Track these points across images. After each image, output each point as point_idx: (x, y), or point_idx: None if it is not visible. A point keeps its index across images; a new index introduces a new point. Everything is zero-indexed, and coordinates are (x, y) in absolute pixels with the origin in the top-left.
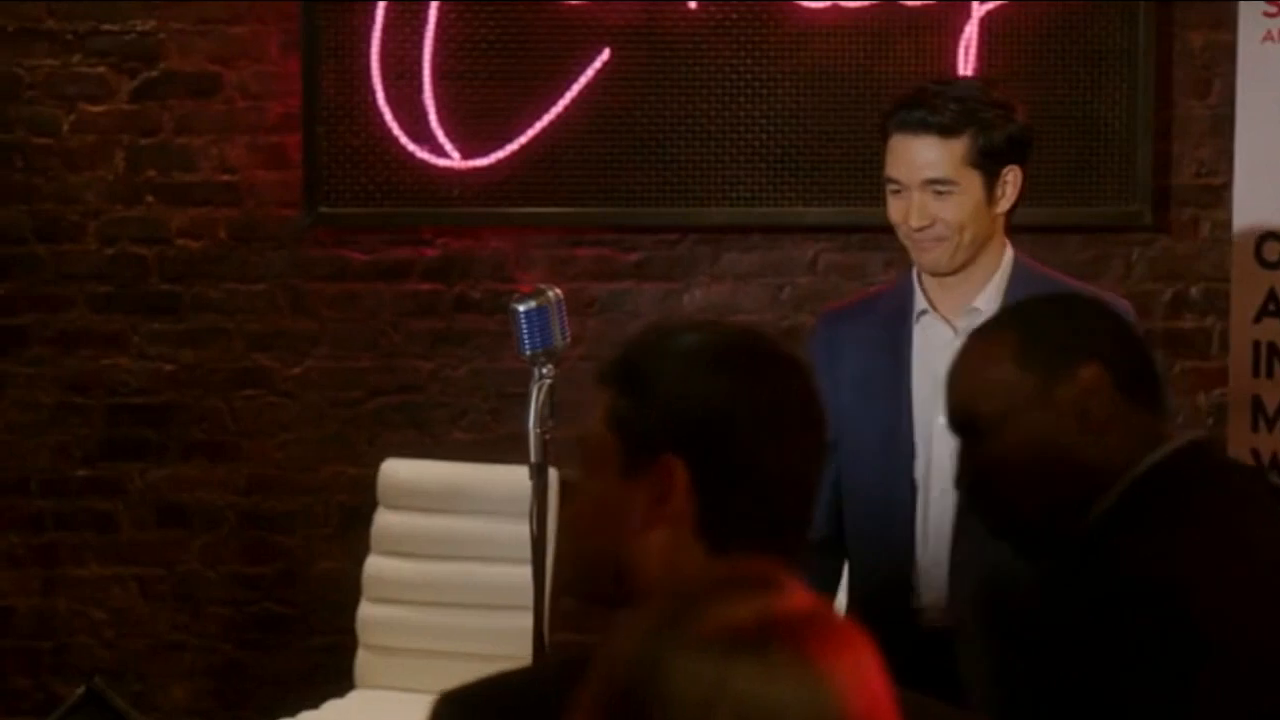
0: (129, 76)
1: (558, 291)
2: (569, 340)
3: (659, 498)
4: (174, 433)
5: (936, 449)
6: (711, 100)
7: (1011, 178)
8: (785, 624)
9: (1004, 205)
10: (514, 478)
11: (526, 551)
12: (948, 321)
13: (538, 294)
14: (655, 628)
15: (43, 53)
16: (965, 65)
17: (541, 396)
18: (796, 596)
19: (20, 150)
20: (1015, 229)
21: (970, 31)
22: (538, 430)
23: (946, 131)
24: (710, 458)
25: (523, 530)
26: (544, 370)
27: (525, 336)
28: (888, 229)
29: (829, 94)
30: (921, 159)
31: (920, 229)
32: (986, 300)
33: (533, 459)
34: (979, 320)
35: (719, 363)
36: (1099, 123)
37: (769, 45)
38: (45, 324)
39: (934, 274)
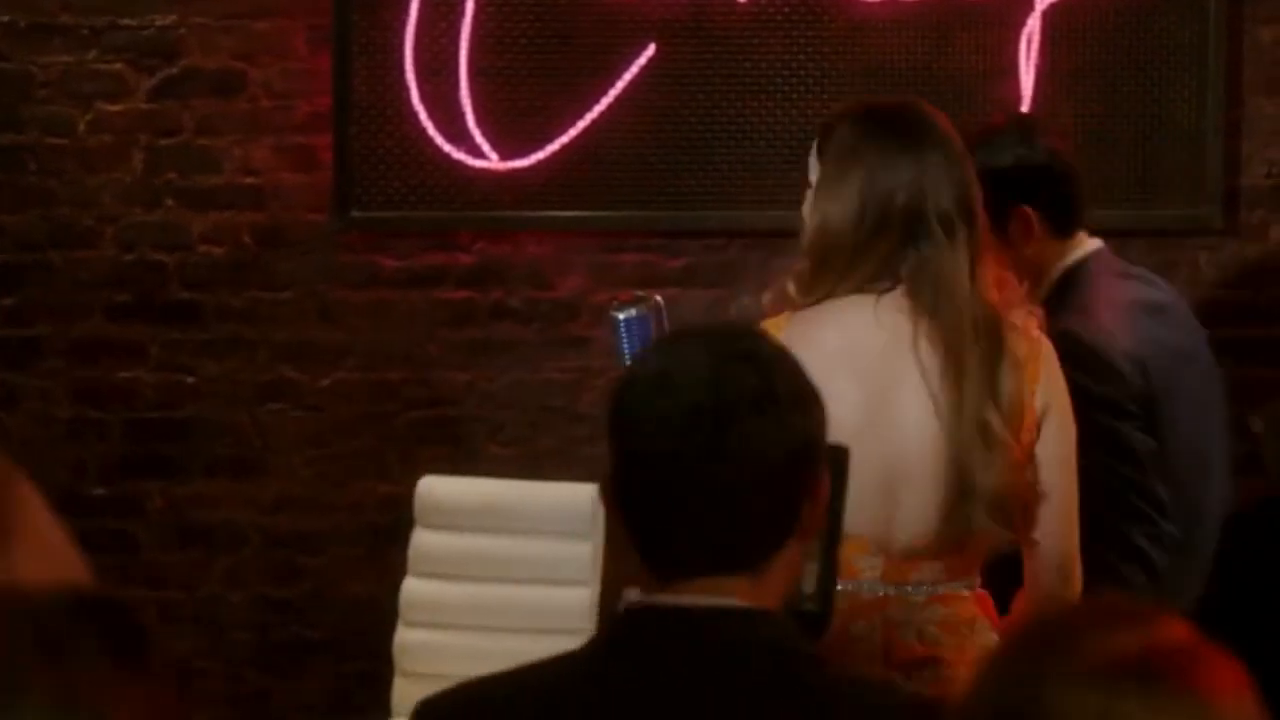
0: (148, 74)
1: (659, 299)
2: None
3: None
4: (196, 449)
5: None
6: (762, 98)
7: (1020, 218)
8: (1168, 654)
9: (1025, 241)
10: (560, 495)
11: (573, 572)
12: None
13: (639, 301)
14: (1035, 657)
15: (57, 49)
16: (1027, 61)
17: None
18: (1175, 627)
19: (33, 152)
20: None
21: (1032, 25)
22: None
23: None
24: None
25: (569, 550)
26: None
27: (625, 345)
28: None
29: (885, 91)
30: None
31: None
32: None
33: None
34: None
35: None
36: (1166, 121)
37: (822, 40)
38: (60, 334)
39: None
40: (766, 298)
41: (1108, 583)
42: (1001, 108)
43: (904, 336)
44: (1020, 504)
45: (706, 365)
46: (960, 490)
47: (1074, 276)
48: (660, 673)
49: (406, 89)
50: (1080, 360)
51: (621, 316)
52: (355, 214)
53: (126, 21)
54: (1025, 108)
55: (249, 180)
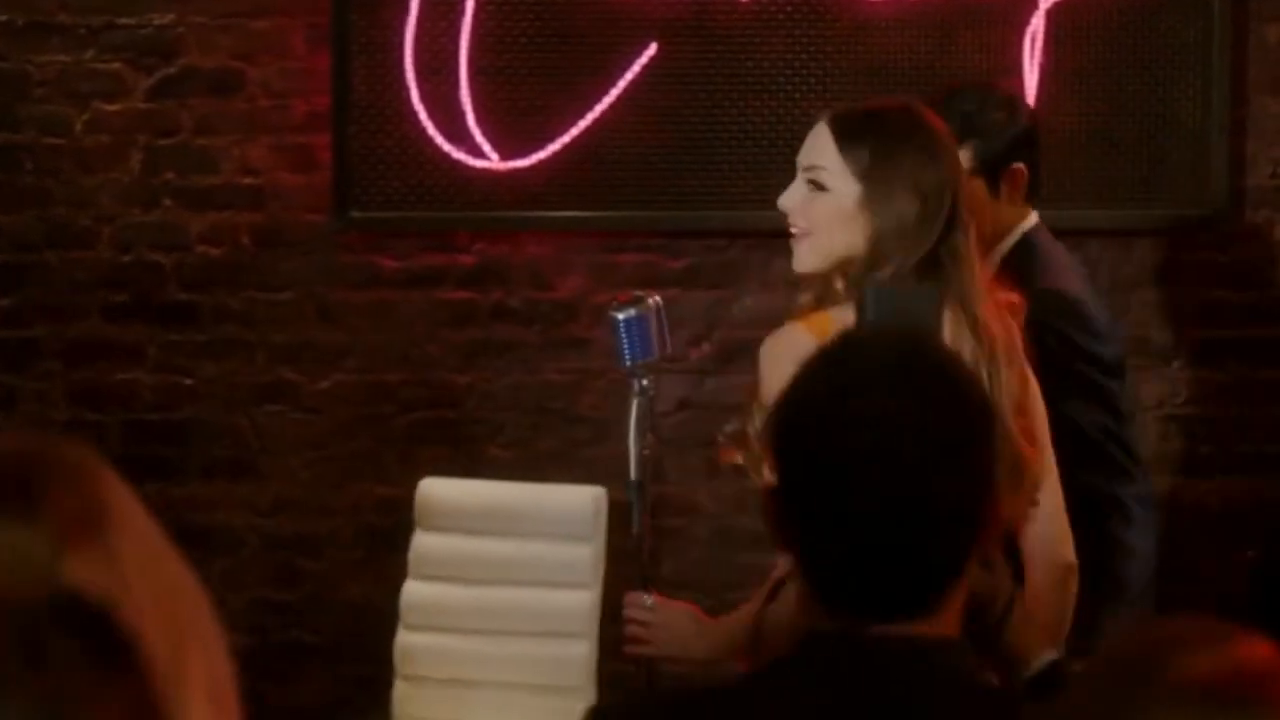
0: (146, 73)
1: (658, 299)
2: (671, 351)
3: None
4: (193, 451)
5: None
6: (765, 97)
7: (1011, 174)
8: (1258, 674)
9: (1007, 197)
10: (562, 497)
11: (576, 575)
12: None
13: (637, 301)
14: (1125, 682)
15: (54, 48)
16: (1030, 59)
17: (642, 411)
18: (1259, 646)
19: (30, 152)
20: (1083, 232)
21: (1036, 24)
22: (638, 446)
23: None
24: None
25: (571, 552)
26: (644, 383)
27: (626, 347)
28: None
29: (888, 90)
30: None
31: None
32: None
33: (633, 476)
34: None
35: None
36: (1170, 121)
37: (825, 39)
38: (56, 336)
39: None
40: (805, 298)
41: (1093, 534)
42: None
43: (953, 327)
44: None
45: (891, 391)
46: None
47: (1029, 241)
48: (844, 701)
49: (406, 88)
50: (1069, 316)
51: (621, 317)
52: (354, 214)
53: (124, 20)
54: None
55: (247, 180)
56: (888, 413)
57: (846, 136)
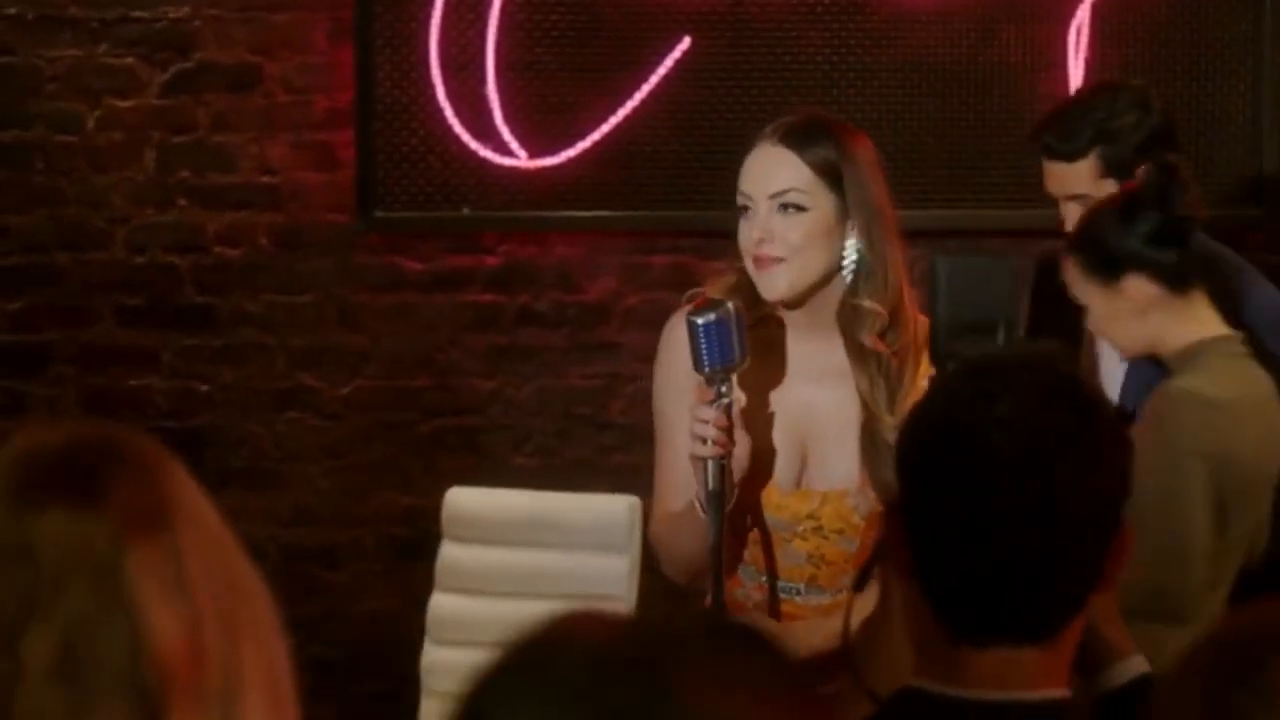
0: (160, 68)
1: (737, 302)
2: (748, 358)
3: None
4: (210, 459)
5: None
6: (801, 93)
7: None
8: None
9: None
10: (597, 506)
11: (610, 587)
12: None
13: (716, 305)
14: (1221, 685)
15: (65, 42)
16: (1075, 55)
17: (721, 416)
18: None
19: (41, 150)
20: None
21: (1081, 17)
22: (718, 449)
23: (1071, 157)
24: None
25: (606, 564)
26: (723, 389)
27: (705, 352)
28: (1001, 232)
29: (929, 86)
30: (1053, 180)
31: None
32: None
33: (710, 486)
34: None
35: None
36: (1219, 117)
37: (864, 33)
38: (68, 340)
39: None
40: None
41: None
42: (1049, 104)
43: None
44: None
45: (1022, 406)
46: None
47: None
48: None
49: (431, 84)
50: None
51: (700, 322)
52: (377, 214)
53: (138, 14)
54: None
55: (266, 179)
56: (1026, 428)
57: (809, 149)
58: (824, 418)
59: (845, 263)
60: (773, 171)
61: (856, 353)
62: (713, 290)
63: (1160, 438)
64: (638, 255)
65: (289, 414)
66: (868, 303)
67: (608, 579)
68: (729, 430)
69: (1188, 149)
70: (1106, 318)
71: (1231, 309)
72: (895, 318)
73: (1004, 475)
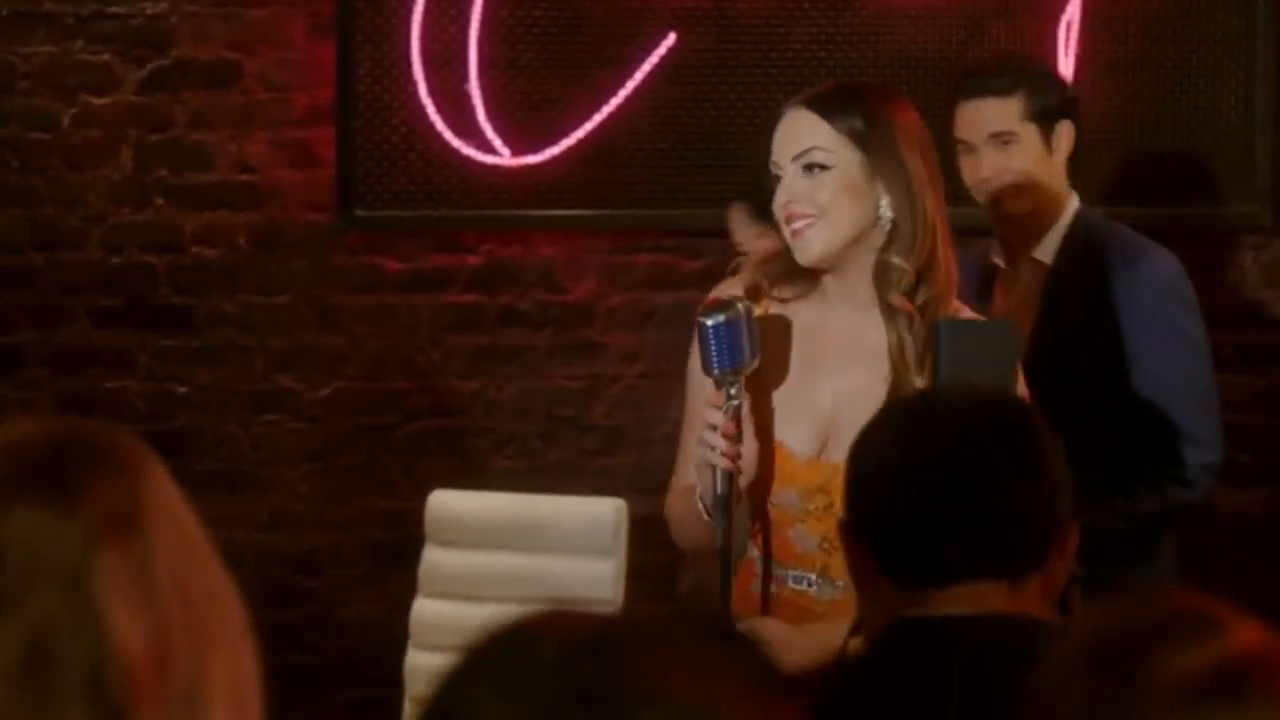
0: (137, 65)
1: (748, 303)
2: (759, 359)
3: None
4: (186, 462)
5: None
6: (788, 90)
7: (1065, 131)
8: (1250, 666)
9: (1060, 157)
10: (583, 510)
11: (596, 591)
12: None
13: (726, 306)
14: (1106, 685)
15: (40, 38)
16: (1066, 50)
17: (730, 422)
18: (1247, 631)
19: (15, 148)
20: None
21: (1072, 13)
22: (725, 460)
23: (1002, 92)
24: None
25: (592, 568)
26: (732, 391)
27: (714, 354)
28: (979, 232)
29: (917, 83)
30: (980, 121)
31: (987, 179)
32: (1045, 252)
33: (718, 490)
34: (1041, 272)
35: None
36: (1212, 114)
37: (851, 28)
38: (43, 342)
39: (1011, 215)
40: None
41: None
42: None
43: None
44: None
45: (968, 410)
46: None
47: (1091, 218)
48: (936, 684)
49: (413, 81)
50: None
51: (710, 323)
52: (358, 213)
53: (114, 9)
54: None
55: (244, 177)
56: (962, 465)
57: (832, 110)
58: (853, 398)
59: (880, 220)
60: (796, 134)
61: (887, 311)
62: (730, 286)
63: None
64: (622, 255)
65: (267, 416)
66: (896, 259)
67: (594, 583)
68: (737, 436)
69: (1180, 147)
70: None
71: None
72: (924, 276)
73: (947, 450)
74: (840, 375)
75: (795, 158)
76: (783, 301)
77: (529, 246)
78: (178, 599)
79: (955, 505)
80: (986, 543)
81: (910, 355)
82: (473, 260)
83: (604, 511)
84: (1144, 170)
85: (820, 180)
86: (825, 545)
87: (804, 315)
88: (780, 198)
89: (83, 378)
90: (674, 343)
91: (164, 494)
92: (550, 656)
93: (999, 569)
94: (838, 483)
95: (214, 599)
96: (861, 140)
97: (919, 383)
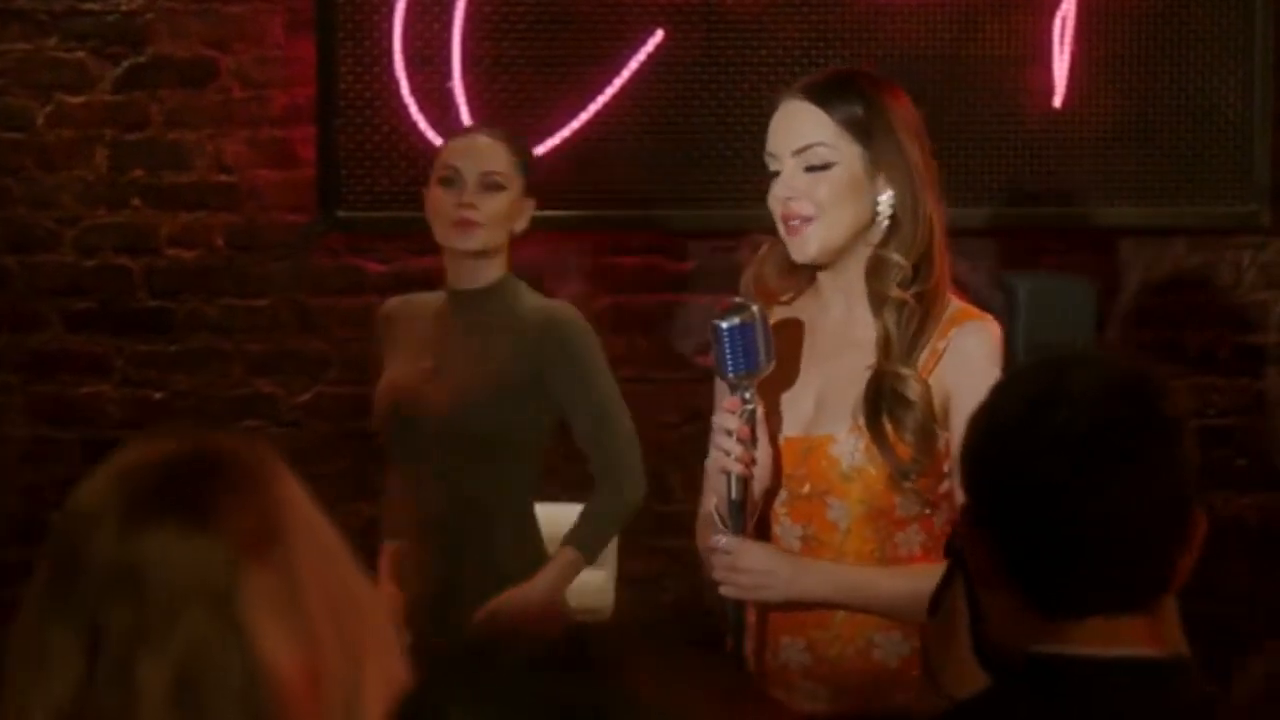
0: (112, 63)
1: (762, 305)
2: (774, 362)
3: None
4: None
5: None
6: (779, 88)
7: None
8: None
9: None
10: (570, 517)
11: (586, 599)
12: None
13: (740, 309)
14: None
15: (13, 35)
16: (1060, 46)
17: (744, 427)
18: None
19: None
20: (1115, 231)
21: (1067, 9)
22: (740, 465)
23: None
24: None
25: (582, 576)
26: (747, 395)
27: (728, 357)
28: (985, 232)
29: (909, 81)
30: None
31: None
32: None
33: (732, 495)
34: None
35: None
36: (1210, 112)
37: (844, 26)
38: (15, 346)
39: None
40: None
41: None
42: (1033, 98)
43: None
44: None
45: (1100, 389)
46: None
47: None
48: None
49: (395, 79)
50: None
51: (725, 325)
52: (339, 214)
53: (89, 6)
54: (1059, 97)
55: (222, 178)
56: (1087, 430)
57: (833, 102)
58: (839, 381)
59: (879, 216)
60: (796, 127)
61: (877, 303)
62: (746, 280)
63: None
64: (606, 256)
65: (246, 422)
66: (895, 256)
67: (585, 592)
68: (752, 440)
69: (1178, 144)
70: None
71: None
72: (921, 268)
73: (1081, 462)
74: (829, 362)
75: (796, 153)
76: (785, 303)
77: (513, 248)
78: (326, 610)
79: (1097, 532)
80: (1130, 573)
81: (896, 347)
82: None
83: None
84: (1141, 168)
85: (821, 177)
86: (807, 538)
87: (799, 312)
88: (779, 192)
89: (56, 383)
90: (663, 347)
91: (299, 503)
92: (517, 667)
93: (1141, 600)
94: (809, 463)
95: (360, 606)
96: (864, 134)
97: (906, 372)
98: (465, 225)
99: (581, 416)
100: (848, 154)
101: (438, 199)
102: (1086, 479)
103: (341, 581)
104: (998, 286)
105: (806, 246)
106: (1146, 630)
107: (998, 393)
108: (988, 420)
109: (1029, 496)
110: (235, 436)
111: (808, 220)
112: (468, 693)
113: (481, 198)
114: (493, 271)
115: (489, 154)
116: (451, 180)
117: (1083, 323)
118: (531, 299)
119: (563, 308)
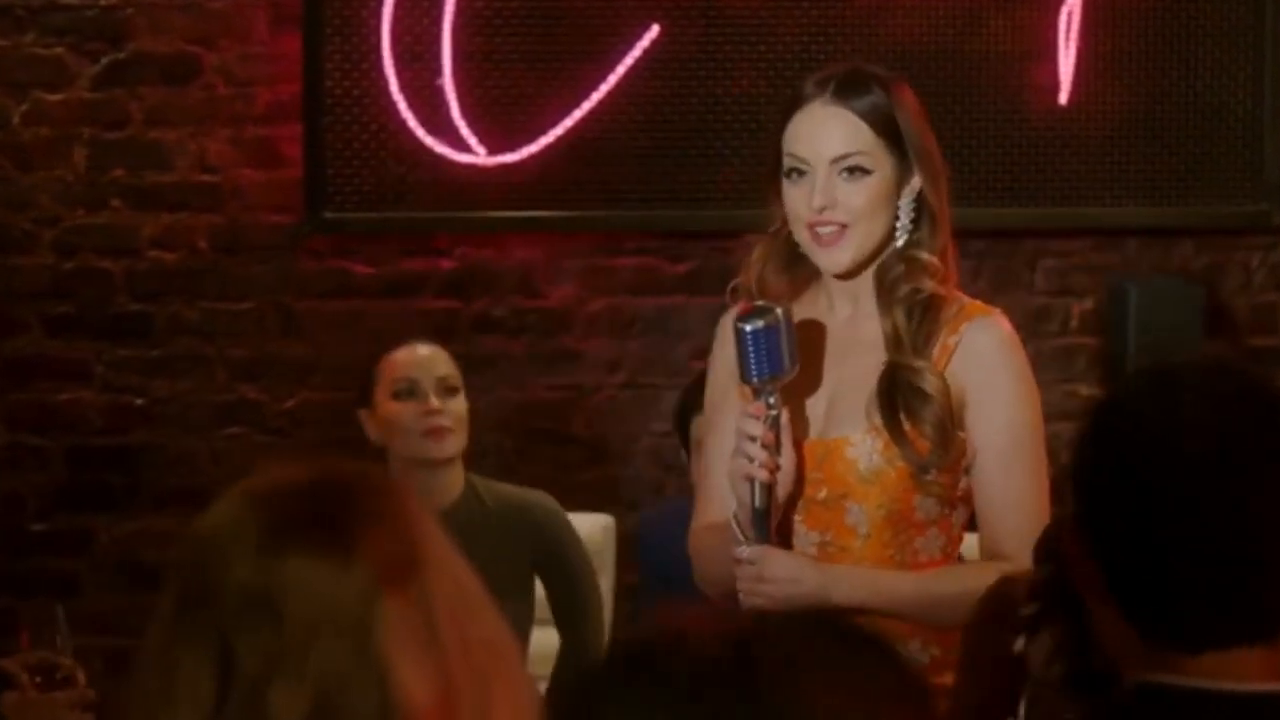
0: (91, 59)
1: (787, 306)
2: (798, 366)
3: None
4: (145, 479)
5: None
6: (778, 85)
7: None
8: None
9: None
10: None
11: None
12: None
13: (764, 311)
14: None
15: None
16: (1066, 42)
17: (769, 432)
18: None
19: None
20: (1121, 231)
21: (1072, 3)
22: (765, 472)
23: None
24: None
25: None
26: (771, 400)
27: (753, 361)
28: (988, 233)
29: (911, 78)
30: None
31: None
32: None
33: (755, 504)
34: None
35: None
36: (1218, 110)
37: (844, 20)
38: None
39: None
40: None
41: None
42: (1038, 94)
43: None
44: None
45: (1217, 403)
46: None
47: None
48: None
49: (383, 76)
50: None
51: (749, 329)
52: (326, 215)
53: (67, 0)
54: (1064, 94)
55: (205, 178)
56: (1215, 430)
57: (865, 106)
58: (851, 384)
59: (899, 224)
60: (832, 133)
61: (885, 300)
62: (745, 278)
63: None
64: (603, 258)
65: (230, 429)
66: (925, 255)
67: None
68: (776, 446)
69: (1185, 142)
70: None
71: None
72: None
73: (1199, 480)
74: (839, 363)
75: (834, 160)
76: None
77: (505, 249)
78: (460, 646)
79: (1220, 563)
80: (1254, 604)
81: (908, 341)
82: (446, 264)
83: (593, 529)
84: (1148, 166)
85: (859, 186)
86: (825, 544)
87: (804, 312)
88: (812, 200)
89: (35, 389)
90: (658, 350)
91: (434, 535)
92: (679, 678)
93: (1270, 629)
94: (826, 466)
95: (493, 645)
96: (896, 140)
97: (921, 365)
98: (438, 433)
99: (559, 596)
100: (884, 162)
101: (397, 412)
102: (1223, 494)
103: (474, 615)
104: (1107, 289)
105: (841, 256)
106: (1267, 662)
107: (1108, 410)
108: (1105, 439)
109: (1158, 516)
110: (366, 467)
111: (842, 229)
112: (629, 699)
113: (445, 402)
114: (457, 480)
115: (439, 360)
116: (411, 391)
117: (1190, 325)
118: (498, 492)
119: (535, 498)
